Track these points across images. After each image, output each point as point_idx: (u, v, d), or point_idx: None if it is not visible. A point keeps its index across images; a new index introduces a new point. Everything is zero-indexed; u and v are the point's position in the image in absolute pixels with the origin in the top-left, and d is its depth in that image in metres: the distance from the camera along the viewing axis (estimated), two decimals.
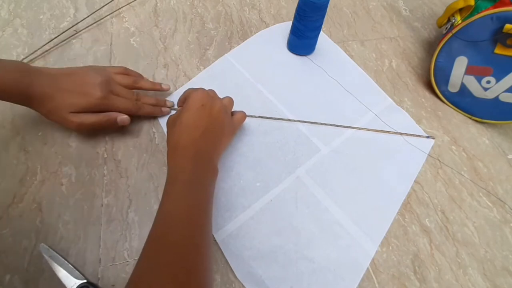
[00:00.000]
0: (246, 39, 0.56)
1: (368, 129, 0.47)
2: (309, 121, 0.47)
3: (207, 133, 0.36)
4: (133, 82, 0.44)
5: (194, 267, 0.28)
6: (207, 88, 0.39)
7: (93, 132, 0.43)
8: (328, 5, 0.46)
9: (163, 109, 0.46)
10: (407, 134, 0.47)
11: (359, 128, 0.47)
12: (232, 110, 0.44)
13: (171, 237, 0.29)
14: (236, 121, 0.42)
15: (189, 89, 0.41)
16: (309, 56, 0.55)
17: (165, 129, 0.44)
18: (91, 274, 0.35)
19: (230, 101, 0.43)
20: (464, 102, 0.51)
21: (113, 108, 0.40)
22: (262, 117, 0.47)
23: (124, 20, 0.57)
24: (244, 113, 0.44)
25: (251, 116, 0.46)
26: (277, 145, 0.45)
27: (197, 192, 0.33)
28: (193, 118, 0.36)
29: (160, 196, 0.40)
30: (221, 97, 0.42)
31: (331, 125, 0.47)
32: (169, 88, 0.47)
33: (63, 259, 0.34)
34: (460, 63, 0.48)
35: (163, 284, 0.25)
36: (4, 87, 0.35)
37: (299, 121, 0.47)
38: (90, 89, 0.38)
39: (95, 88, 0.39)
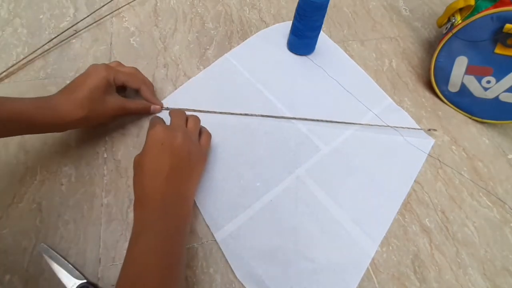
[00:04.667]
0: (246, 39, 0.56)
1: (369, 124, 0.47)
2: (309, 118, 0.47)
3: (172, 175, 0.33)
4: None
5: None
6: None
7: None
8: (328, 5, 0.46)
9: (153, 107, 0.45)
10: (407, 128, 0.47)
11: (360, 124, 0.47)
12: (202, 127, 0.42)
13: None
14: (204, 145, 0.40)
15: (152, 117, 0.40)
16: (309, 56, 0.55)
17: None
18: (91, 274, 0.35)
19: (195, 122, 0.40)
20: (464, 102, 0.51)
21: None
22: (263, 115, 0.47)
23: (124, 20, 0.57)
24: (208, 132, 0.42)
25: (252, 115, 0.46)
26: (277, 145, 0.45)
27: (167, 243, 0.30)
28: (154, 162, 0.34)
29: None
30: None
31: (331, 121, 0.47)
32: (160, 110, 0.46)
33: (63, 259, 0.34)
34: (460, 63, 0.48)
35: None
36: (33, 113, 0.34)
37: (299, 118, 0.47)
38: (96, 71, 0.39)
39: (100, 69, 0.40)
